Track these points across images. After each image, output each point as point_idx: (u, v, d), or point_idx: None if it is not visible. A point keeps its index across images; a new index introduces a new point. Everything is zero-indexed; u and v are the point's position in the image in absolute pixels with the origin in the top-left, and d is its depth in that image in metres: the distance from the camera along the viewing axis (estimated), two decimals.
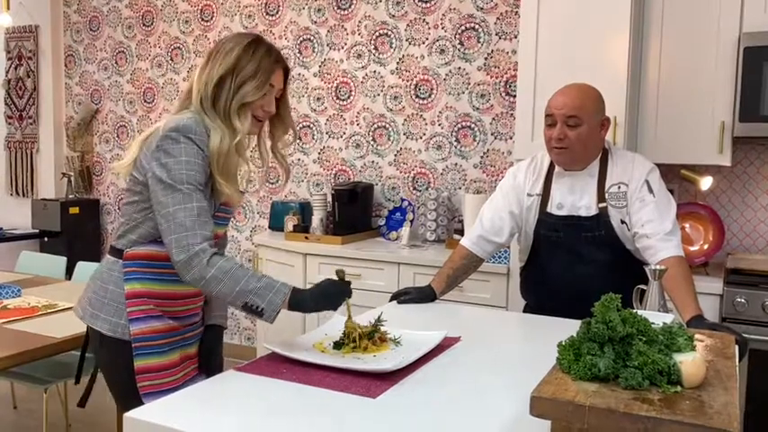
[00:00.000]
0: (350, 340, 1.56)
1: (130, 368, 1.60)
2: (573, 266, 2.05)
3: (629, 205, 2.00)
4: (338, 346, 1.56)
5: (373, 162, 3.87)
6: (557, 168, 2.09)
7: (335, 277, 1.61)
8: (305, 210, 3.76)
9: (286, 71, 1.71)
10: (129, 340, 1.61)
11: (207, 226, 1.53)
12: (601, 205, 2.03)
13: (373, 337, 1.56)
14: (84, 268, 3.21)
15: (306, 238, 3.50)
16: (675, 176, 3.03)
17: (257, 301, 1.49)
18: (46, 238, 4.70)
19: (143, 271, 1.61)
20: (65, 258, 3.41)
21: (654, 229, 1.93)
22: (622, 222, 2.02)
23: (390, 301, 2.10)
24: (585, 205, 2.04)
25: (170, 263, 1.55)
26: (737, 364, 1.30)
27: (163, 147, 1.55)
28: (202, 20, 4.38)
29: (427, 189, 3.70)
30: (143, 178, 1.59)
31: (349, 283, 1.62)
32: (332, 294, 1.58)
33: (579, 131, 1.97)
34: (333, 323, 1.72)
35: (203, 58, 1.68)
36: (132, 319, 1.60)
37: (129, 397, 1.60)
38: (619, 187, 2.02)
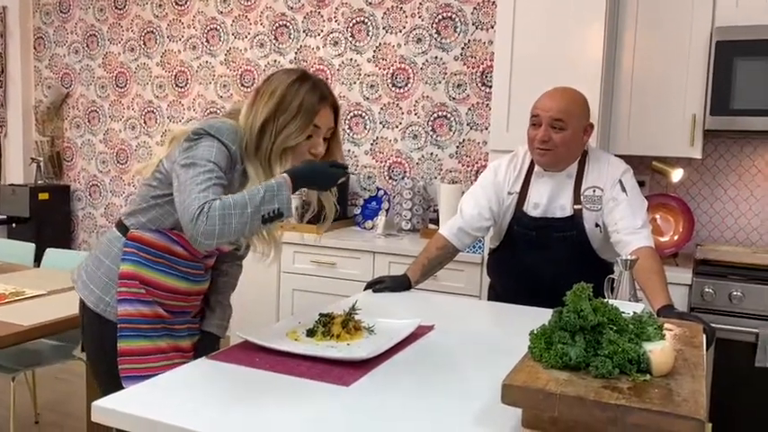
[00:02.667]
0: (323, 327, 1.55)
1: (107, 347, 1.58)
2: (541, 260, 2.09)
3: (603, 208, 2.04)
4: (311, 333, 1.56)
5: (349, 151, 3.86)
6: (536, 168, 2.11)
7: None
8: None
9: (335, 109, 1.61)
10: (109, 319, 1.60)
11: (216, 192, 1.44)
12: (576, 207, 2.06)
13: (347, 325, 1.56)
14: (53, 255, 3.15)
15: (281, 226, 3.47)
16: (647, 168, 3.07)
17: (271, 206, 1.41)
18: (14, 225, 4.59)
19: (142, 255, 1.60)
20: (33, 245, 3.34)
21: (625, 225, 1.97)
22: (596, 225, 2.06)
23: (365, 289, 2.10)
24: (561, 206, 2.08)
25: (170, 254, 1.57)
26: (705, 352, 1.33)
27: (188, 144, 1.50)
28: (176, 3, 4.30)
29: (403, 178, 3.70)
30: (167, 170, 1.55)
31: (345, 167, 1.58)
32: (323, 172, 1.54)
33: (563, 135, 1.99)
34: (307, 312, 1.71)
35: (251, 96, 1.60)
36: (121, 299, 1.59)
37: (104, 376, 1.61)
38: (594, 191, 2.06)
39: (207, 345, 1.75)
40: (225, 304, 1.83)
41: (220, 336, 1.81)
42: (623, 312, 1.20)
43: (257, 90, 1.59)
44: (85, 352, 1.71)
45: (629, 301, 1.69)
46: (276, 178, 1.46)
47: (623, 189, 2.02)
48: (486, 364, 1.47)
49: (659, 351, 1.11)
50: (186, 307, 1.70)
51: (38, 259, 3.26)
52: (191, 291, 1.68)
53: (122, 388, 1.47)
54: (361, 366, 1.37)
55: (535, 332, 1.18)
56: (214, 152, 1.49)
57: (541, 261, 2.09)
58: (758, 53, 2.60)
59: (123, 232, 1.63)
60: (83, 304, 1.66)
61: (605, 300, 1.20)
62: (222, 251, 1.72)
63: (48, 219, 4.60)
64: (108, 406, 1.17)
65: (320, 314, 1.62)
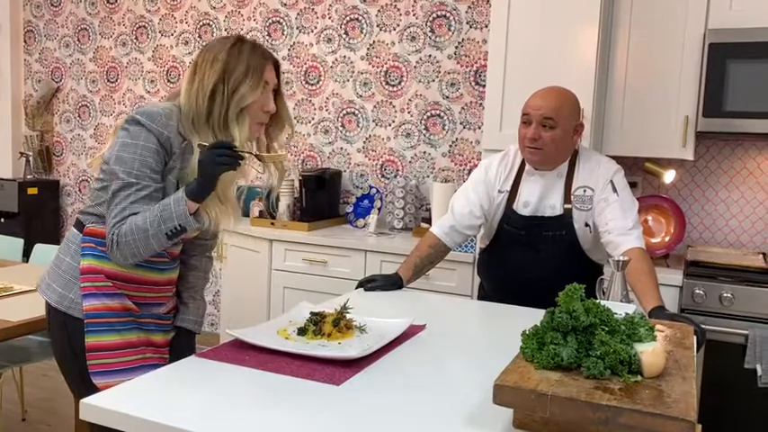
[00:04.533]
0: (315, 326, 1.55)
1: (74, 345, 1.56)
2: (530, 260, 2.10)
3: (594, 208, 2.04)
4: (302, 332, 1.55)
5: (342, 149, 3.85)
6: (527, 167, 2.11)
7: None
8: (271, 195, 3.72)
9: (276, 66, 1.65)
10: (75, 316, 1.57)
11: (132, 209, 1.50)
12: (566, 206, 2.07)
13: (339, 324, 1.55)
14: (42, 250, 3.13)
15: (272, 224, 3.46)
16: (640, 169, 3.08)
17: (171, 224, 1.47)
18: (2, 219, 4.56)
19: (101, 249, 1.58)
20: (22, 240, 3.31)
21: (616, 225, 1.97)
22: (586, 225, 2.06)
23: (357, 288, 2.10)
24: (551, 205, 2.08)
25: None
26: (696, 353, 1.33)
27: (121, 136, 1.53)
28: None
29: (395, 177, 3.69)
30: (108, 165, 1.56)
31: (226, 146, 1.49)
32: (206, 170, 1.48)
33: (554, 134, 2.00)
34: (299, 309, 1.71)
35: (189, 71, 1.61)
36: (85, 294, 1.56)
37: (75, 376, 1.58)
38: (584, 191, 2.06)
39: (183, 341, 1.73)
40: (198, 299, 1.80)
41: (195, 332, 1.79)
42: (615, 313, 1.20)
43: (195, 62, 1.60)
44: (54, 355, 1.67)
45: (621, 301, 1.69)
46: (173, 195, 1.49)
47: (614, 189, 2.03)
48: (477, 364, 1.47)
49: (650, 352, 1.11)
50: (156, 298, 1.66)
51: (26, 254, 3.23)
52: (158, 280, 1.65)
53: (95, 387, 1.46)
54: (352, 365, 1.36)
55: (527, 332, 1.18)
56: (138, 154, 1.50)
57: (530, 260, 2.09)
58: (751, 56, 2.61)
59: (80, 229, 1.62)
60: (47, 306, 1.63)
61: (597, 300, 1.20)
62: (185, 240, 1.67)
63: (37, 214, 4.57)
64: (96, 404, 1.16)
65: (311, 313, 1.61)
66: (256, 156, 1.62)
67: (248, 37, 1.64)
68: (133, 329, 1.61)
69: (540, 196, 2.09)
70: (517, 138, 2.11)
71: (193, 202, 1.49)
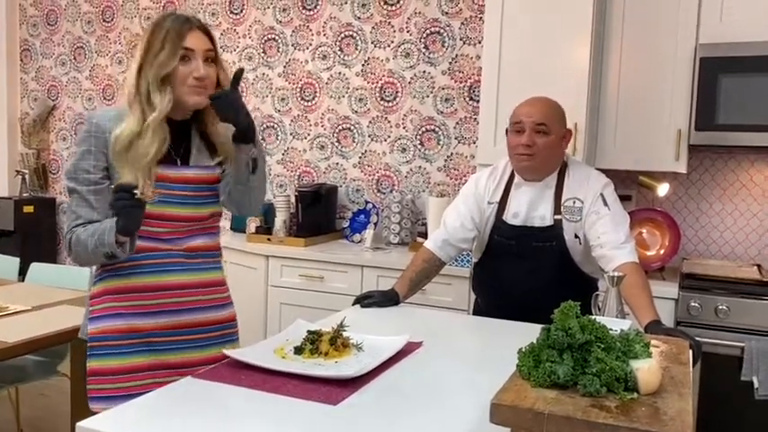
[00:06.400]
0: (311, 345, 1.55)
1: (85, 368, 1.57)
2: (521, 272, 2.10)
3: (584, 220, 2.05)
4: (299, 351, 1.55)
5: (337, 164, 3.86)
6: (516, 178, 2.13)
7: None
8: (268, 211, 3.73)
9: (206, 31, 1.60)
10: (84, 339, 1.59)
11: (84, 214, 1.56)
12: (556, 217, 2.07)
13: (335, 342, 1.55)
14: (38, 269, 3.12)
15: (268, 239, 3.46)
16: (633, 183, 3.10)
17: (103, 249, 1.49)
18: None
19: (107, 269, 1.60)
20: (18, 259, 3.30)
21: (608, 239, 1.98)
22: (576, 237, 2.07)
23: (354, 304, 2.10)
24: (540, 216, 2.09)
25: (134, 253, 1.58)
26: (691, 369, 1.33)
27: (76, 147, 1.61)
28: None
29: (391, 192, 3.70)
30: None
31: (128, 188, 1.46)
32: (117, 213, 1.46)
33: (547, 140, 2.02)
34: (295, 327, 1.70)
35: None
36: (92, 317, 1.58)
37: (85, 400, 1.57)
38: (574, 202, 2.07)
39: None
40: None
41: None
42: (610, 329, 1.20)
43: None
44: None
45: (617, 317, 1.69)
46: (109, 222, 1.50)
47: (605, 203, 2.03)
48: (474, 381, 1.47)
49: (646, 369, 1.11)
50: (165, 305, 1.60)
51: (22, 273, 3.22)
52: (163, 284, 1.60)
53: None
54: (349, 385, 1.36)
55: (523, 350, 1.19)
56: (76, 157, 1.57)
57: (521, 272, 2.09)
58: (741, 69, 2.63)
59: None
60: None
61: (593, 316, 1.21)
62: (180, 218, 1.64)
63: (33, 232, 4.55)
64: (92, 426, 1.16)
65: (308, 331, 1.61)
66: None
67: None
68: (143, 352, 1.58)
69: (529, 207, 2.09)
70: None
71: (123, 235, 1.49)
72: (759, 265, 2.91)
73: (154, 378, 1.59)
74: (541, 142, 2.01)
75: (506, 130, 2.11)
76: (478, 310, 2.29)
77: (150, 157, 1.54)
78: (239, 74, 1.57)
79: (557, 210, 2.07)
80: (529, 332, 1.34)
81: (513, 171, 2.14)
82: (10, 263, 3.28)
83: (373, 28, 3.71)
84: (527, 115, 2.03)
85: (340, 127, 3.84)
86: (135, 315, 1.58)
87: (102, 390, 1.54)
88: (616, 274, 1.74)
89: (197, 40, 1.57)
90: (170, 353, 1.62)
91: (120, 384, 1.55)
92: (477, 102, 3.34)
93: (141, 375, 1.58)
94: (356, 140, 3.81)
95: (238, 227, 3.80)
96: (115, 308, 1.57)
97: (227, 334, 1.74)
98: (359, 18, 3.75)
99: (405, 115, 3.67)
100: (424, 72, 3.60)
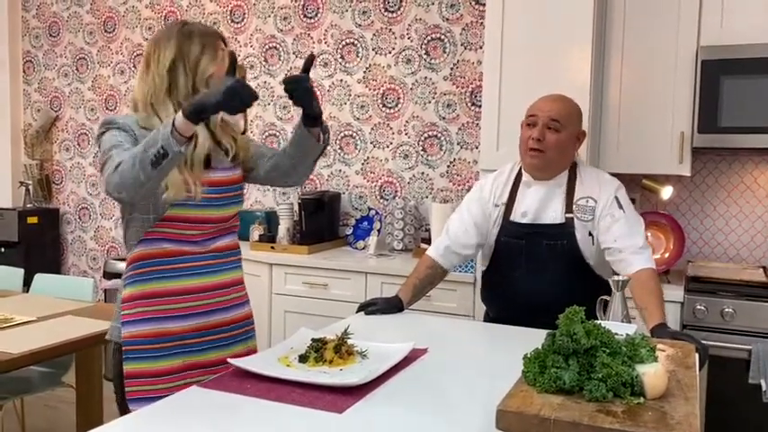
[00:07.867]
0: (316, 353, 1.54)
1: (118, 372, 1.60)
2: (532, 274, 2.06)
3: (598, 221, 2.02)
4: (304, 359, 1.54)
5: (340, 171, 3.86)
6: (524, 177, 2.11)
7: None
8: (271, 219, 3.73)
9: (223, 40, 1.72)
10: (117, 342, 1.62)
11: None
12: (567, 215, 2.05)
13: (340, 350, 1.55)
14: (42, 280, 3.12)
15: (272, 247, 3.46)
16: (637, 186, 3.09)
17: (155, 148, 1.38)
18: (2, 249, 4.56)
19: (138, 273, 1.62)
20: (22, 270, 3.31)
21: (625, 244, 1.96)
22: (590, 235, 2.04)
23: (358, 312, 2.09)
24: (552, 214, 2.07)
25: (159, 259, 1.60)
26: (698, 373, 1.33)
27: (98, 149, 1.61)
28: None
29: (394, 198, 3.70)
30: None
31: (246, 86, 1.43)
32: (240, 93, 1.40)
33: (558, 137, 2.01)
34: (299, 336, 1.70)
35: (141, 65, 1.69)
36: (125, 322, 1.61)
37: (121, 403, 1.61)
38: (587, 201, 2.05)
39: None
40: None
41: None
42: (616, 334, 1.20)
43: (146, 55, 1.67)
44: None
45: (622, 321, 1.68)
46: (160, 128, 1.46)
47: (620, 206, 2.01)
48: (480, 388, 1.46)
49: (652, 373, 1.11)
50: (197, 308, 1.66)
51: (27, 284, 3.23)
52: (194, 287, 1.65)
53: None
54: (355, 392, 1.36)
55: (529, 356, 1.18)
56: (114, 131, 1.57)
57: (531, 272, 2.05)
58: (743, 72, 2.63)
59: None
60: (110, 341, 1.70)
61: (598, 321, 1.20)
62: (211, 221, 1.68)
63: (37, 243, 4.57)
64: None
65: (312, 339, 1.61)
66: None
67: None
68: (177, 354, 1.63)
69: (539, 206, 2.07)
70: (515, 157, 2.12)
71: (185, 121, 1.39)
72: (765, 267, 2.90)
73: (187, 378, 1.63)
74: (552, 139, 2.00)
75: (521, 124, 2.11)
76: (489, 319, 2.26)
77: (200, 159, 1.61)
78: (310, 60, 1.60)
79: (568, 208, 2.05)
80: (534, 338, 1.33)
81: (519, 171, 2.13)
82: (14, 274, 3.29)
83: (374, 35, 3.72)
84: (542, 110, 2.03)
85: (342, 134, 3.85)
86: (166, 319, 1.63)
87: (141, 391, 1.58)
88: (621, 278, 1.73)
89: (223, 45, 1.71)
90: (200, 353, 1.68)
91: (156, 386, 1.59)
92: (479, 107, 3.34)
93: (176, 377, 1.62)
94: (358, 147, 3.81)
95: (242, 234, 3.79)
96: (146, 312, 1.61)
97: (248, 330, 1.82)
98: (360, 25, 3.76)
99: (407, 121, 3.67)
100: (426, 78, 3.61)
